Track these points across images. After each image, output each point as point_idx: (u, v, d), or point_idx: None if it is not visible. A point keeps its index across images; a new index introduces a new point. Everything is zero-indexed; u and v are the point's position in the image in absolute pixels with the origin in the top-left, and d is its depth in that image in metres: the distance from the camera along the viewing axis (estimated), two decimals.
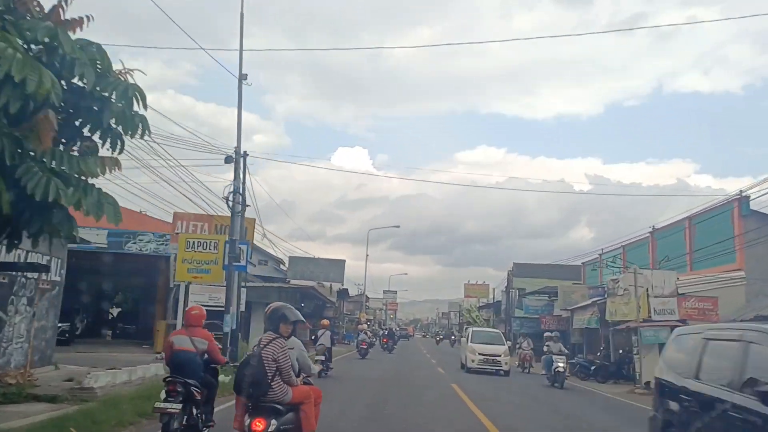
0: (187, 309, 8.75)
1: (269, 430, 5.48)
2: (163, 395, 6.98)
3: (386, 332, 47.25)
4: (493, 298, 66.25)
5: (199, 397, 7.12)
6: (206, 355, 7.49)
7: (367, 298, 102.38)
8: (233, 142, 18.03)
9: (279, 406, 5.68)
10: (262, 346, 5.74)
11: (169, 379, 7.04)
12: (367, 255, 56.90)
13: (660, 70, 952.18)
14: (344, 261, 40.55)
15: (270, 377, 5.63)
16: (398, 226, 58.06)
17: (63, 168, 5.15)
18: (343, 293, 52.48)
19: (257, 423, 5.51)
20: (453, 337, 73.95)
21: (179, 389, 6.88)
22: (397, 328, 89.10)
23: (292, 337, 6.24)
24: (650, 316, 22.18)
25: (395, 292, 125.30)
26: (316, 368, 8.31)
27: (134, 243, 24.62)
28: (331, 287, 42.69)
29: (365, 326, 49.58)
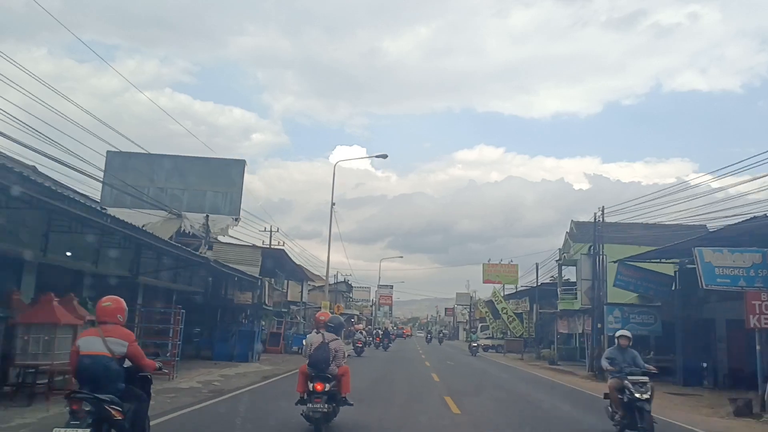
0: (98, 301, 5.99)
1: (325, 389, 8.54)
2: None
3: (381, 332, 48.46)
4: (537, 279, 42.58)
5: (119, 417, 5.44)
6: (127, 361, 5.72)
7: (350, 286, 79.02)
8: None
9: (330, 376, 8.73)
10: (328, 341, 8.92)
11: (73, 395, 5.33)
12: (333, 203, 33.47)
13: (658, 69, 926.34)
14: (243, 162, 17.20)
15: (330, 360, 8.85)
16: (386, 156, 34.44)
17: None
18: (279, 263, 28.92)
19: (318, 385, 8.54)
20: (441, 334, 71.78)
21: (87, 408, 5.25)
22: (394, 327, 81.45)
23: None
24: None
25: (391, 287, 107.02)
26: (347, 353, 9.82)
27: None
28: (207, 226, 18.24)
29: (361, 326, 49.52)
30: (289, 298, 46.42)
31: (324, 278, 59.73)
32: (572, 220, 38.44)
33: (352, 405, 9.32)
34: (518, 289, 55.34)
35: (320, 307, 35.28)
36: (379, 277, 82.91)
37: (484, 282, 57.84)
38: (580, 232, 37.50)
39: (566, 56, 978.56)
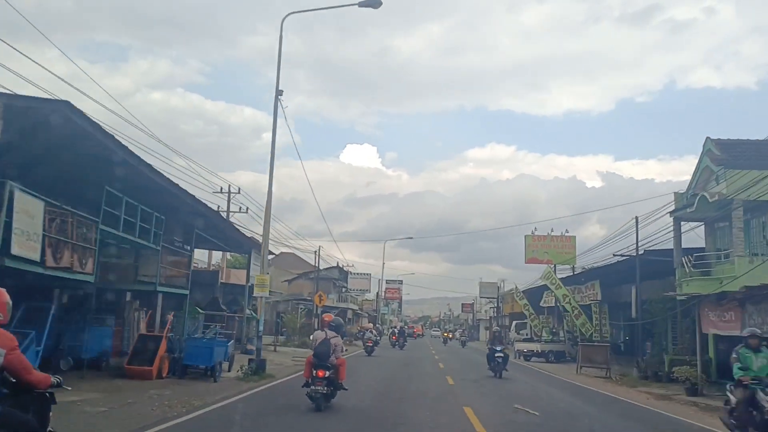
0: None
1: (326, 375, 11.01)
2: None
3: (397, 330, 47.80)
4: (637, 241, 25.99)
5: None
6: (5, 374, 4.19)
7: (344, 273, 62.71)
8: None
9: (329, 365, 11.23)
10: (329, 337, 11.48)
11: None
12: (281, 91, 17.50)
13: (672, 65, 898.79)
14: None
15: (331, 352, 11.37)
16: (380, 4, 18.37)
17: None
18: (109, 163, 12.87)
19: (320, 372, 11.03)
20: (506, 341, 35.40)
21: None
22: (404, 326, 71.37)
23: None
24: None
25: (400, 281, 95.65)
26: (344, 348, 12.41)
27: None
28: None
29: (371, 325, 50.24)
30: (233, 280, 30.53)
31: (325, 271, 44.15)
32: (708, 138, 22.06)
33: (347, 390, 11.91)
34: (575, 272, 39.00)
35: (257, 285, 19.34)
36: (383, 263, 66.47)
37: (527, 261, 41.49)
38: (728, 154, 21.15)
39: (579, 53, 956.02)
